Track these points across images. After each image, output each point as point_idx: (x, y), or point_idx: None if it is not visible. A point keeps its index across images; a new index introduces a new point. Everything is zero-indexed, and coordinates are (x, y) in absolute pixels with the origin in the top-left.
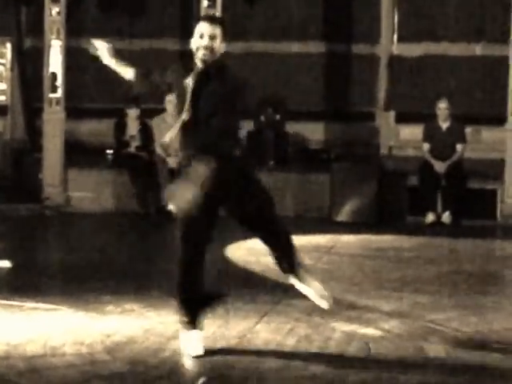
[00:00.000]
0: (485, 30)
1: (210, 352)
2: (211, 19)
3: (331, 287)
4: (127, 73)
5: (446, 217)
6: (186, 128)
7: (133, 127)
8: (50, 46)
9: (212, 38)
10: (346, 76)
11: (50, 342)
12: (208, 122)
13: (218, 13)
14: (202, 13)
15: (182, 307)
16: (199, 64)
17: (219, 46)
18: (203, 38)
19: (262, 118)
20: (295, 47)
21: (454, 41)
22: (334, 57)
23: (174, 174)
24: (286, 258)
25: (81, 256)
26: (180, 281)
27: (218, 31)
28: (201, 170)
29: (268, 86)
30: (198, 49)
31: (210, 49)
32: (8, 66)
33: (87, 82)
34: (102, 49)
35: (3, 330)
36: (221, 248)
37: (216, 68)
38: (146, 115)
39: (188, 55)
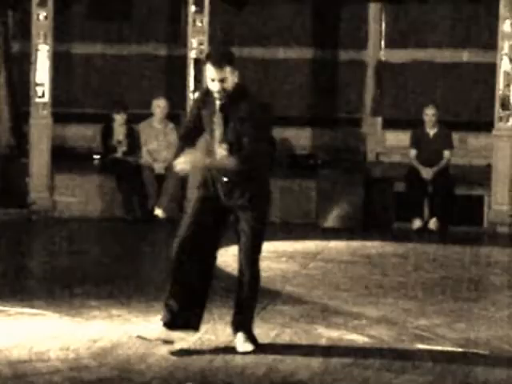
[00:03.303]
0: (472, 37)
1: (195, 357)
2: (219, 63)
3: (318, 293)
4: (228, 160)
5: (433, 223)
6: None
7: (119, 132)
8: (37, 51)
9: (222, 81)
10: (332, 82)
11: (36, 347)
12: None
13: (224, 48)
14: (190, 18)
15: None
16: (218, 100)
17: (231, 81)
18: (214, 83)
19: None
20: (282, 53)
21: (442, 47)
22: (321, 63)
23: (161, 180)
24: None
25: (67, 261)
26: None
27: (227, 71)
28: None
29: (255, 91)
30: (212, 90)
31: (222, 91)
32: None
33: (74, 87)
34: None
35: None
36: None
37: (235, 96)
38: (133, 120)
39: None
